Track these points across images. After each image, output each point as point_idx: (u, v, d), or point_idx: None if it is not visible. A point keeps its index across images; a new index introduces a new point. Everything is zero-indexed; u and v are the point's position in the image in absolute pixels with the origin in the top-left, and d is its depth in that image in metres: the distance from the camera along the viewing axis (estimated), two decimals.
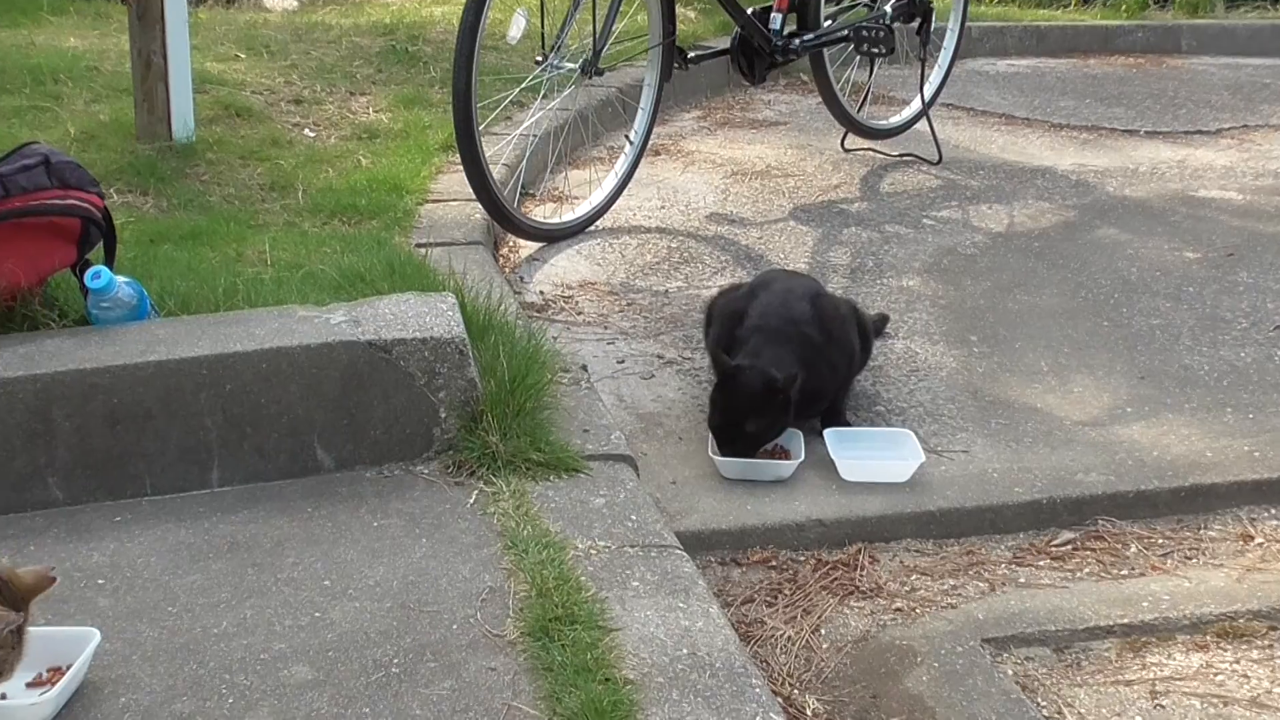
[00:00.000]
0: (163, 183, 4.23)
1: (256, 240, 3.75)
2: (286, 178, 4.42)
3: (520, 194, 4.69)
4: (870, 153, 5.60)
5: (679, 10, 4.78)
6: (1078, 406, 3.50)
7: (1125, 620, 2.66)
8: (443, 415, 2.82)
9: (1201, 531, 3.05)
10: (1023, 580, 2.87)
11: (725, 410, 3.13)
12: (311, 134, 4.96)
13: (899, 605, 2.78)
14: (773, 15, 4.95)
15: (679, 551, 2.56)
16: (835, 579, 2.86)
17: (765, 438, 3.16)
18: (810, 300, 3.33)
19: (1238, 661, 2.57)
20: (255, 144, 4.72)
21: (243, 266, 3.49)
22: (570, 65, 4.34)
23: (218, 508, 2.67)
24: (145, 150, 4.39)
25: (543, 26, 4.22)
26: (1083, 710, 2.44)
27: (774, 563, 2.92)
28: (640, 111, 4.75)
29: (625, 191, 4.73)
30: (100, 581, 2.42)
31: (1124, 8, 8.49)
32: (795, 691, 2.52)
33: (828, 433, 3.23)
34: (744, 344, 3.21)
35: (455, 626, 2.31)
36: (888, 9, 5.34)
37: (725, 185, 5.16)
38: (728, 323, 3.32)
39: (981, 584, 2.85)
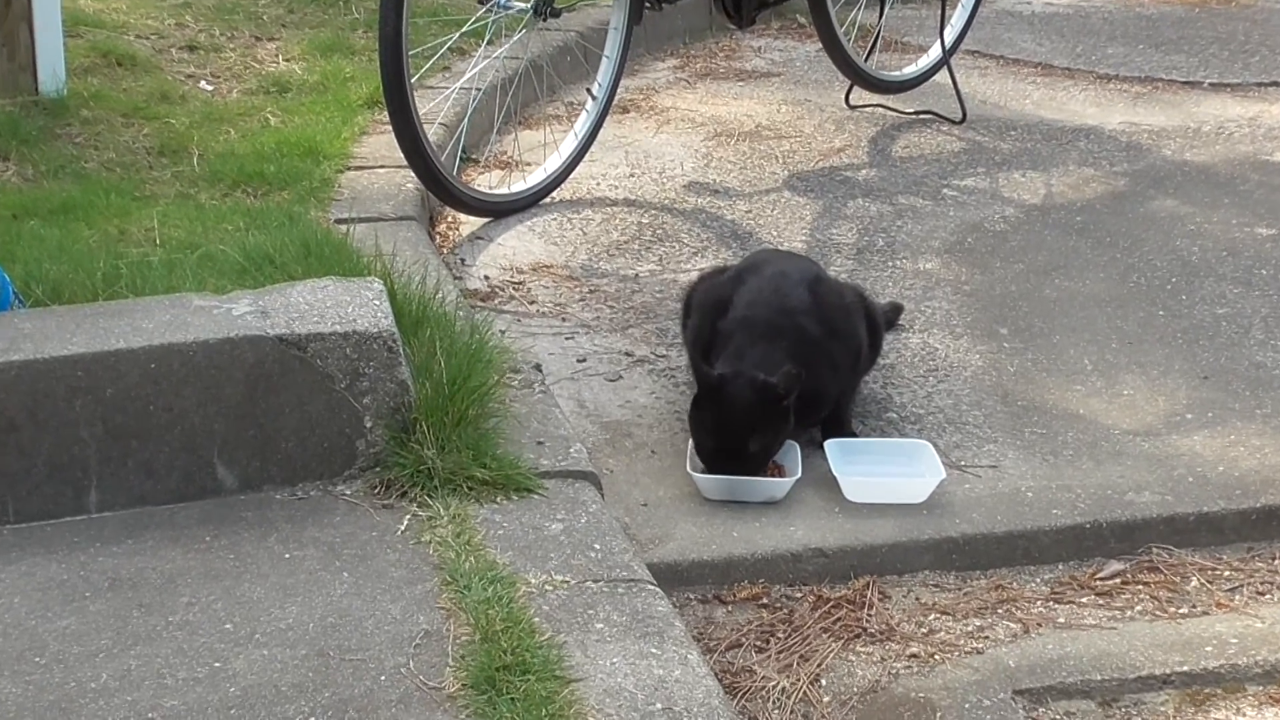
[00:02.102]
0: (27, 145, 4.21)
1: (143, 215, 3.74)
2: (179, 140, 4.41)
3: (461, 159, 4.69)
4: (880, 110, 5.62)
5: None
6: (1128, 413, 3.52)
7: (1185, 668, 2.68)
8: (368, 425, 2.83)
9: (1276, 562, 3.08)
10: (1062, 620, 2.89)
11: (716, 431, 3.14)
12: (209, 87, 4.95)
13: (915, 651, 2.80)
14: None
15: (652, 587, 2.56)
16: (838, 619, 2.88)
17: (770, 454, 3.18)
18: (808, 286, 3.34)
19: None
20: (140, 99, 4.70)
21: (126, 247, 3.49)
22: (521, 4, 4.35)
23: (96, 537, 2.66)
24: (5, 106, 4.37)
25: None
26: None
27: (765, 600, 2.93)
28: (605, 60, 4.76)
29: (587, 156, 4.73)
30: None
31: None
32: None
33: (829, 445, 3.25)
34: (727, 340, 3.23)
35: (383, 678, 2.31)
36: None
37: (707, 149, 5.18)
38: (708, 314, 3.33)
39: (1013, 625, 2.87)
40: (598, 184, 4.81)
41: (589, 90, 4.77)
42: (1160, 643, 2.76)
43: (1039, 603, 2.94)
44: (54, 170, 4.09)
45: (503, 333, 3.55)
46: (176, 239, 3.55)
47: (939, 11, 5.61)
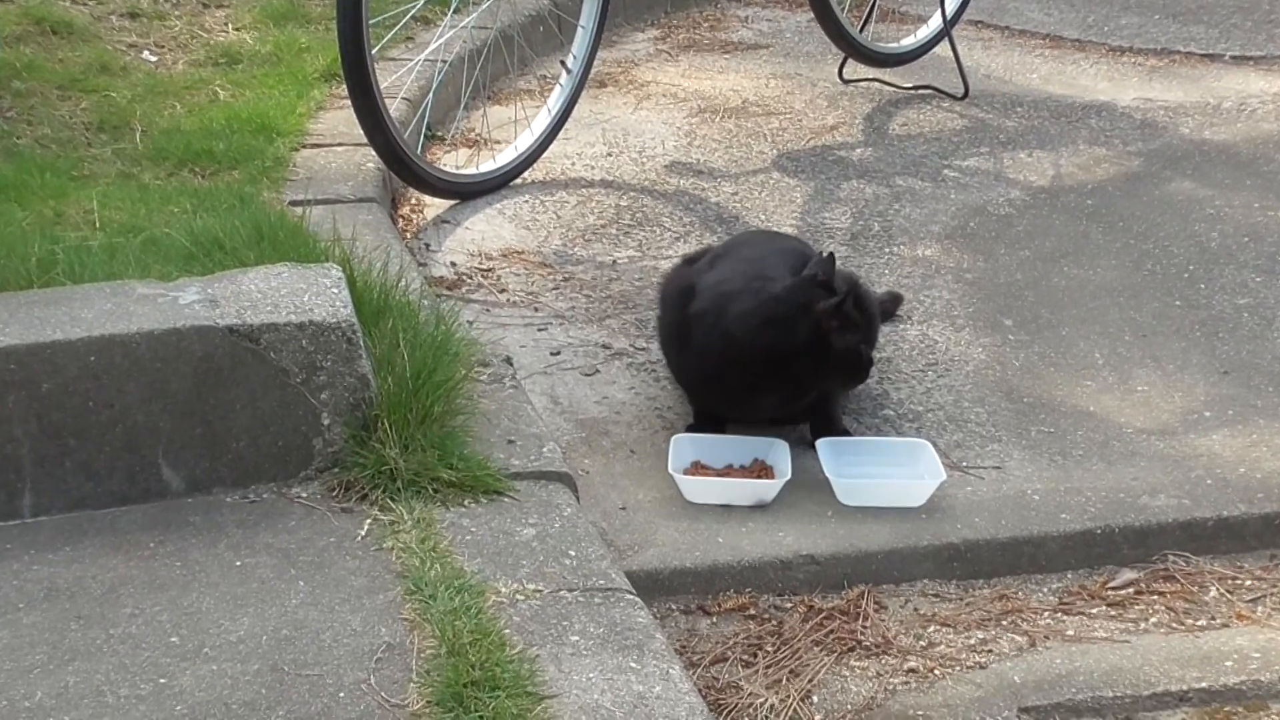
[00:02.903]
0: None
1: (81, 196, 3.73)
2: (120, 115, 4.39)
3: (426, 137, 4.68)
4: (876, 84, 5.63)
5: None
6: (1142, 410, 3.54)
7: (1203, 684, 2.69)
8: (326, 422, 2.82)
9: None
10: (1071, 633, 2.90)
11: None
12: (153, 58, 4.94)
13: (913, 665, 2.80)
14: None
15: (631, 596, 2.57)
16: (831, 631, 2.88)
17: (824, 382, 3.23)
18: (790, 268, 3.34)
19: None
20: (78, 70, 4.69)
21: (63, 230, 3.48)
22: None
23: (31, 544, 2.66)
24: None
25: None
26: None
27: (753, 611, 2.94)
28: (580, 30, 4.76)
29: (561, 134, 4.73)
30: None
31: None
32: None
33: (821, 444, 3.25)
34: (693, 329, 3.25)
35: (342, 694, 2.31)
36: None
37: (690, 126, 5.18)
38: (677, 300, 3.32)
39: (1019, 637, 2.88)
40: (573, 164, 4.81)
41: (563, 63, 4.77)
42: (1177, 657, 2.77)
43: (1046, 614, 2.95)
44: None
45: (470, 323, 3.55)
46: (118, 222, 3.54)
47: None
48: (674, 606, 2.93)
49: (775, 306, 3.15)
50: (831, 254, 3.25)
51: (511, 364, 3.33)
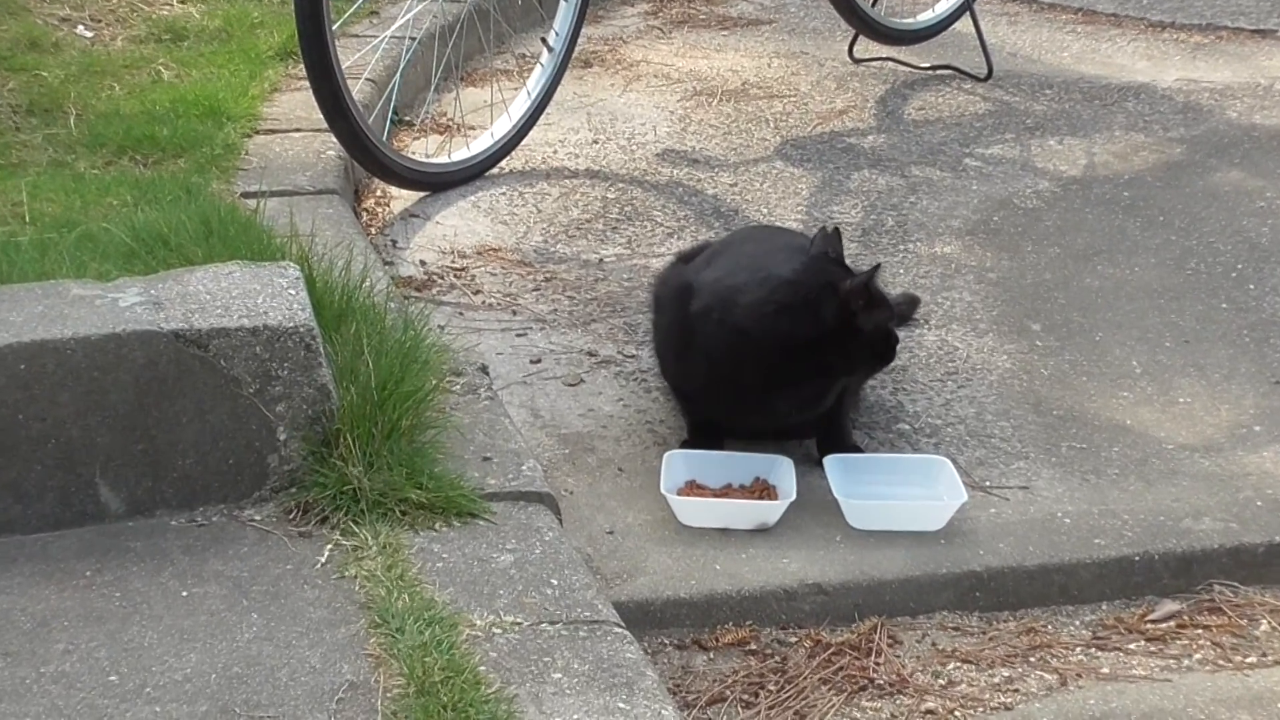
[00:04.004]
0: None
1: (8, 186, 3.72)
2: (52, 96, 4.39)
3: (392, 122, 4.68)
4: (890, 65, 5.64)
5: None
6: (1184, 424, 3.54)
7: None
8: (282, 437, 2.82)
9: None
10: (1106, 670, 2.90)
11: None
12: (88, 33, 4.94)
13: (931, 706, 2.81)
14: None
15: (619, 629, 2.57)
16: (840, 669, 2.89)
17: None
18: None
19: None
20: (4, 46, 4.68)
21: None
22: None
23: None
24: None
25: None
26: None
27: (754, 645, 2.94)
28: (563, 5, 4.76)
29: (542, 119, 4.74)
30: None
31: None
32: None
33: (829, 462, 3.26)
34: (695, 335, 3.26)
35: None
36: None
37: (684, 111, 5.19)
38: (675, 301, 3.32)
39: (1048, 675, 2.89)
40: (555, 152, 4.81)
41: (544, 40, 4.77)
42: (1223, 697, 2.77)
43: (1078, 649, 2.95)
44: None
45: (442, 328, 3.55)
46: (50, 215, 3.54)
47: None
48: (667, 641, 2.94)
49: (792, 291, 3.16)
50: (837, 228, 3.27)
51: (487, 373, 3.33)
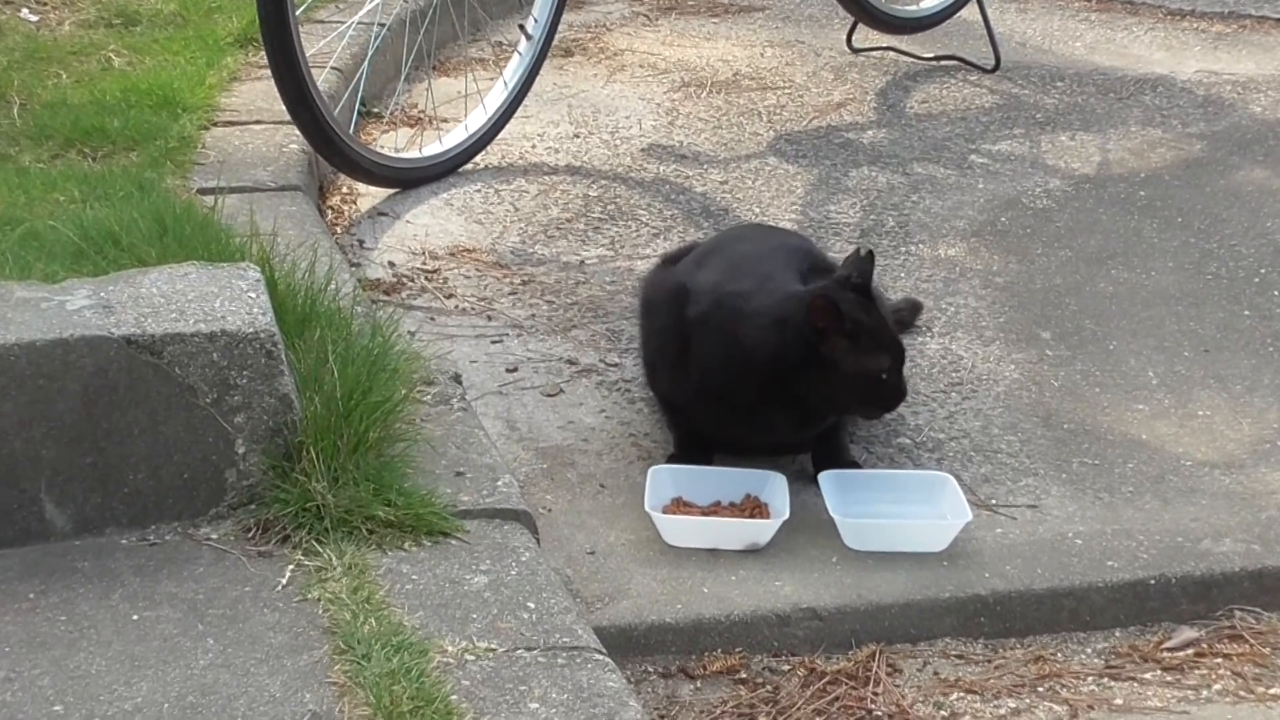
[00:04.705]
0: None
1: None
2: None
3: (360, 114, 4.69)
4: (891, 55, 5.64)
5: None
6: (1204, 439, 3.55)
7: None
8: (240, 450, 2.82)
9: None
10: (1120, 701, 2.91)
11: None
12: (33, 17, 4.93)
13: None
14: None
15: (600, 657, 2.57)
16: (836, 699, 2.89)
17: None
18: (798, 272, 3.35)
19: None
20: None
21: None
22: None
23: None
24: None
25: None
26: None
27: (743, 674, 2.94)
28: None
29: (520, 111, 4.74)
30: None
31: None
32: None
33: (825, 478, 3.26)
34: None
35: None
36: None
37: (672, 103, 5.19)
38: (669, 305, 3.32)
39: (1058, 707, 2.89)
40: (533, 146, 4.82)
41: (522, 27, 4.77)
42: None
43: (1090, 679, 2.96)
44: None
45: (412, 334, 3.56)
46: None
47: None
48: (651, 669, 2.94)
49: (797, 305, 3.16)
50: (870, 252, 3.26)
51: (460, 382, 3.33)
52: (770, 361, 3.15)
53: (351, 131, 4.35)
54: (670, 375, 3.34)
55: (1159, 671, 2.98)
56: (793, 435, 3.31)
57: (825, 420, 3.28)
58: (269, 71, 4.04)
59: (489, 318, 3.90)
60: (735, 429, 3.30)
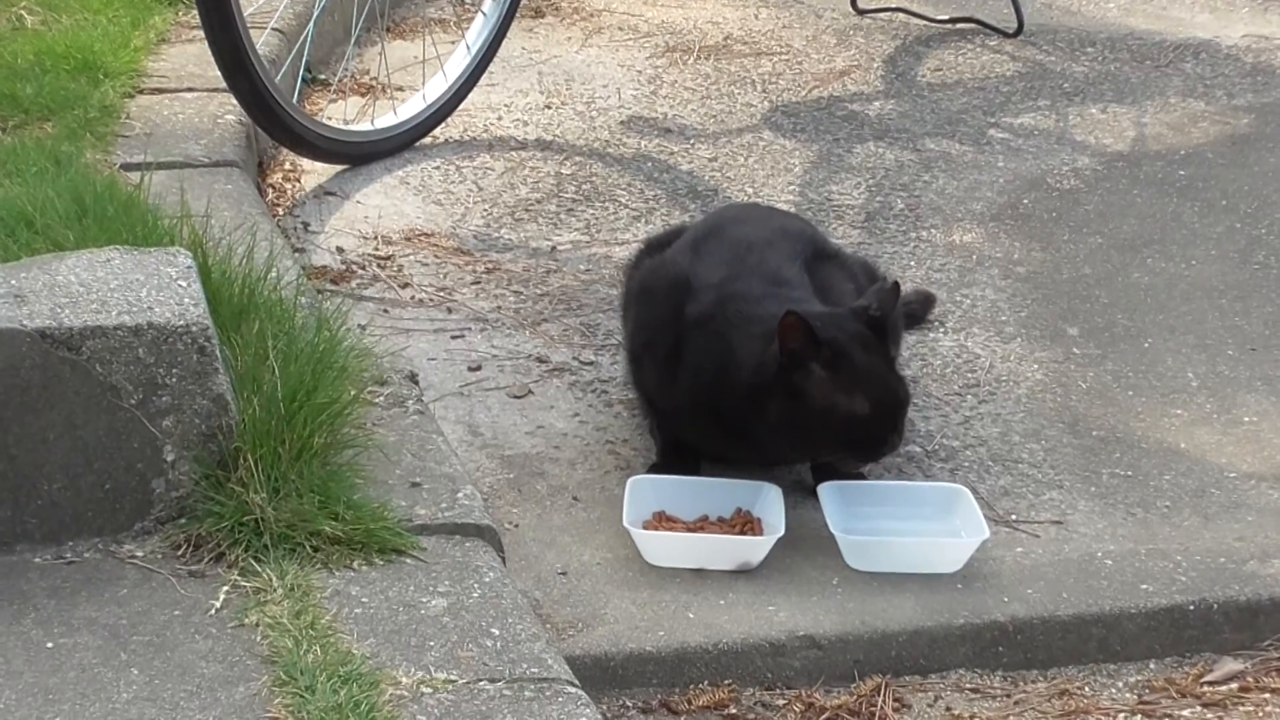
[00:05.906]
0: None
1: None
2: None
3: (304, 81, 4.68)
4: (901, 16, 5.65)
5: None
6: (1250, 448, 3.56)
7: None
8: (169, 458, 2.82)
9: None
10: None
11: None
12: None
13: None
14: None
15: (572, 689, 2.57)
16: None
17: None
18: (800, 259, 3.36)
19: None
20: None
21: None
22: None
23: None
24: None
25: None
26: None
27: (733, 709, 2.95)
28: None
29: (485, 79, 4.74)
30: None
31: None
32: None
33: (824, 490, 3.26)
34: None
35: None
36: None
37: (655, 70, 5.20)
38: (666, 298, 3.32)
39: None
40: (500, 118, 4.82)
41: None
42: None
43: (1122, 716, 2.97)
44: None
45: (363, 328, 3.56)
46: None
47: None
48: (630, 703, 2.94)
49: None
50: (896, 284, 3.26)
51: (417, 382, 3.34)
52: (751, 377, 3.16)
53: (295, 101, 4.35)
54: (658, 375, 3.34)
55: (1198, 708, 2.99)
56: (786, 457, 3.32)
57: (798, 458, 3.29)
58: (202, 33, 4.04)
59: (449, 310, 3.91)
60: (723, 442, 3.31)
